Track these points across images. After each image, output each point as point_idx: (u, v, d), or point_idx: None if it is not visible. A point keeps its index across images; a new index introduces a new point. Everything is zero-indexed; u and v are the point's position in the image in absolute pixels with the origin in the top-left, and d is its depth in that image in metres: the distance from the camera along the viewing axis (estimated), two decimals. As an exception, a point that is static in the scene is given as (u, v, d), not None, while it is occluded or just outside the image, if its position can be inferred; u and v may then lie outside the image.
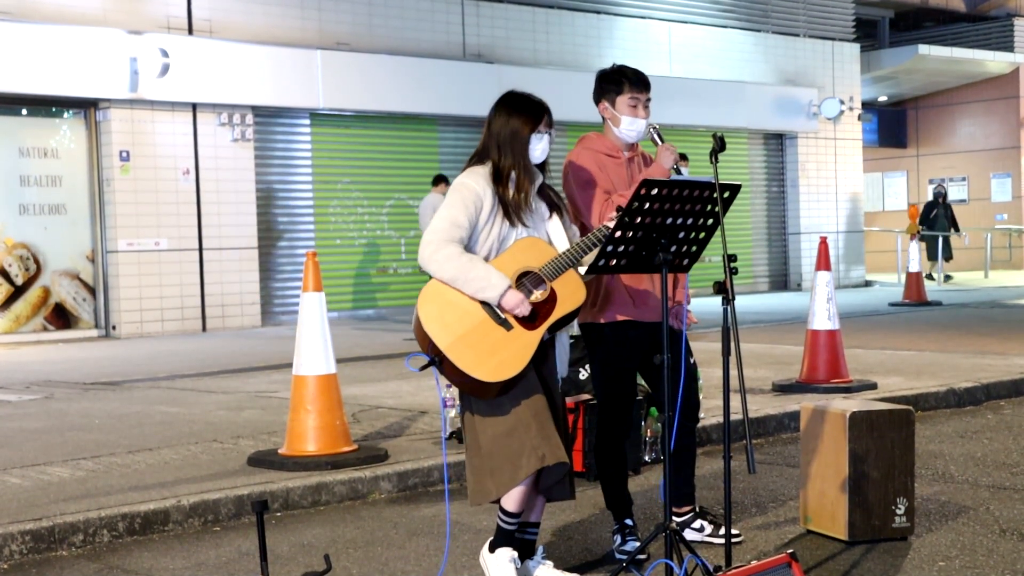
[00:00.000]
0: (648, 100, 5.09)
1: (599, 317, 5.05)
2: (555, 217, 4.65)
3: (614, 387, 5.11)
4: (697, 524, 5.26)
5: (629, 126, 5.05)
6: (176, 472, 6.44)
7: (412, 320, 4.43)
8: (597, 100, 5.16)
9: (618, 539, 5.10)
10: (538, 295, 4.39)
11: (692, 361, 5.17)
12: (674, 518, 4.80)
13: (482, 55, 18.96)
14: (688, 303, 5.16)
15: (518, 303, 4.33)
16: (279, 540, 5.50)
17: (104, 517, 5.51)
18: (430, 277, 4.43)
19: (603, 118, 5.15)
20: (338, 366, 6.75)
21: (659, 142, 5.06)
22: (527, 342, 4.36)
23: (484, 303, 4.35)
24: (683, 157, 5.19)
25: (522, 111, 4.54)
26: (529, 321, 4.37)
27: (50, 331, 15.39)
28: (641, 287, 5.02)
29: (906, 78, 27.91)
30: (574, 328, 4.86)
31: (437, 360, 4.32)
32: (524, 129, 4.50)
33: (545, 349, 4.50)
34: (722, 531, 5.14)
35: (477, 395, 4.41)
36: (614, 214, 4.54)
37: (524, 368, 4.35)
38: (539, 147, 4.54)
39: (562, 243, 4.58)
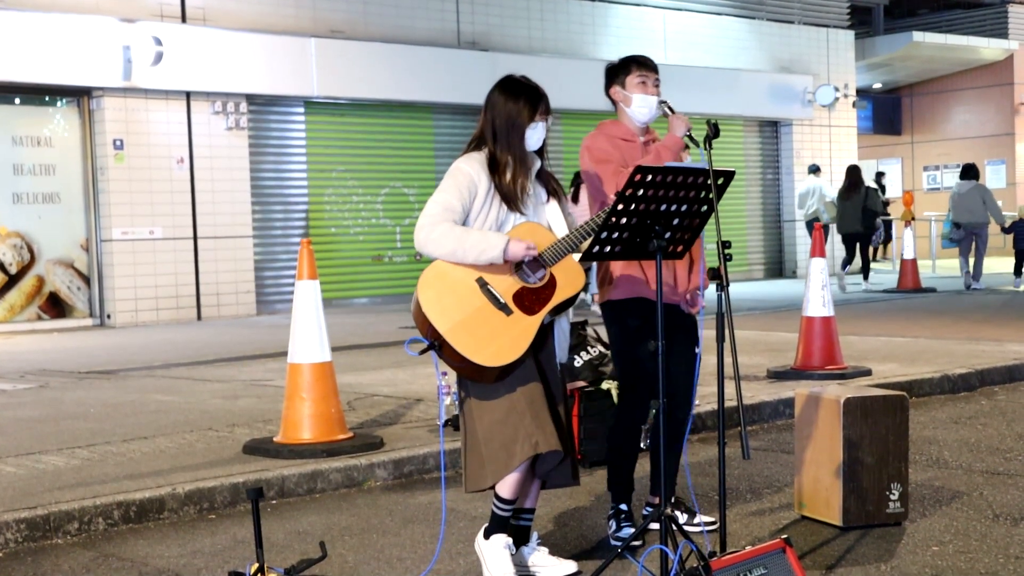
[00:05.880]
0: (657, 80, 5.15)
1: (614, 294, 5.05)
2: (553, 202, 4.63)
3: (633, 366, 5.07)
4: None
5: (640, 104, 5.08)
6: (171, 460, 6.44)
7: (411, 306, 4.42)
8: (608, 88, 5.20)
9: (613, 525, 5.11)
10: (537, 281, 4.39)
11: (697, 351, 5.15)
12: (656, 501, 4.79)
13: (477, 43, 18.92)
14: (706, 287, 5.13)
15: (523, 249, 4.30)
16: (274, 527, 5.50)
17: (99, 505, 5.51)
18: (427, 264, 4.42)
19: (615, 105, 5.18)
20: (333, 354, 6.75)
21: (671, 113, 5.06)
22: (526, 327, 4.35)
23: (483, 288, 4.34)
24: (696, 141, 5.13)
25: (520, 98, 4.50)
26: (528, 306, 4.36)
27: (44, 320, 15.38)
28: (654, 268, 4.98)
29: (900, 65, 27.90)
30: (572, 314, 4.85)
31: (437, 344, 4.31)
32: (522, 117, 4.47)
33: (544, 334, 4.49)
34: (697, 519, 5.19)
35: (475, 379, 4.41)
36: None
37: (523, 354, 4.35)
38: (535, 136, 4.51)
39: (561, 228, 4.57)
